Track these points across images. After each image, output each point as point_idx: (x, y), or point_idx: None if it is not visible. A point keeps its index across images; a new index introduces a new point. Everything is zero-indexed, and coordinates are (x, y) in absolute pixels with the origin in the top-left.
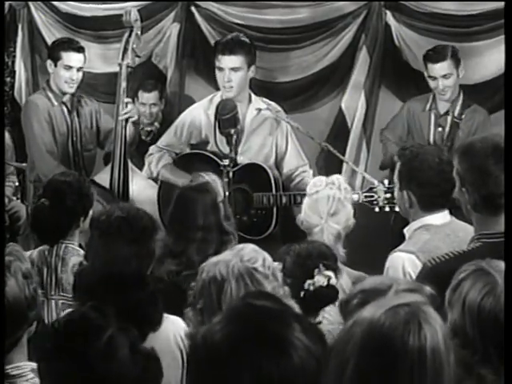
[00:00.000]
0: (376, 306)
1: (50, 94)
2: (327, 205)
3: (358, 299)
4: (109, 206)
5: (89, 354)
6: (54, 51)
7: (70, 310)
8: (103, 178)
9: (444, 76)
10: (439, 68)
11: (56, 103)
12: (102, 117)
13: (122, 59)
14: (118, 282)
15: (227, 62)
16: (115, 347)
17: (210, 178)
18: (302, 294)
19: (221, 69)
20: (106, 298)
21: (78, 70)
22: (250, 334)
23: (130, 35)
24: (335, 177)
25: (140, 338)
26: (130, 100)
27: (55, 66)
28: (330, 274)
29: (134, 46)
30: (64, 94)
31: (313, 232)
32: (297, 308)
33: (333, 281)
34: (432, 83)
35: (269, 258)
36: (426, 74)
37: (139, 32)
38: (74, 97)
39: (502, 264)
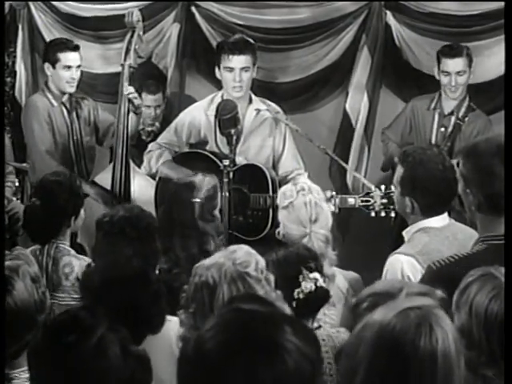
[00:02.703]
0: (387, 309)
1: (50, 95)
2: (307, 212)
3: (368, 302)
4: (109, 207)
5: (79, 354)
6: (51, 53)
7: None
8: (105, 177)
9: (458, 73)
10: (454, 63)
11: (56, 104)
12: (100, 114)
13: (125, 60)
14: (122, 282)
15: (238, 61)
16: (105, 347)
17: (199, 177)
18: (293, 303)
19: (231, 69)
20: (111, 298)
21: (77, 68)
22: (242, 340)
23: (132, 36)
24: (302, 181)
25: (136, 339)
26: (131, 88)
27: (53, 68)
28: (316, 275)
29: (136, 46)
30: (63, 94)
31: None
32: (288, 310)
33: (320, 282)
34: (444, 79)
35: (262, 262)
36: (436, 71)
37: (141, 33)
38: (72, 97)
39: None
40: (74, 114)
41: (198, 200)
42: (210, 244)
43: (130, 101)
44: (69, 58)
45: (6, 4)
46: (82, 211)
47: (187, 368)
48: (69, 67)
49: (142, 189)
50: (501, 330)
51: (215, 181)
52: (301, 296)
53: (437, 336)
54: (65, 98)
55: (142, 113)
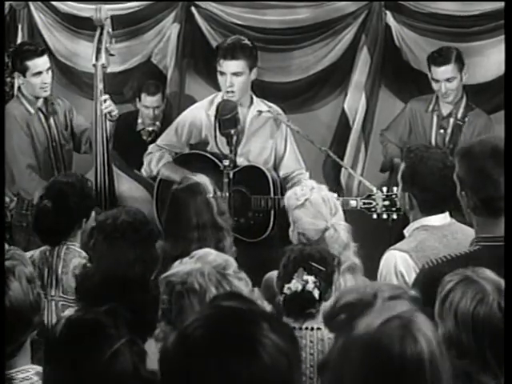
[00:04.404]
0: (366, 324)
1: (25, 102)
2: (326, 206)
3: (344, 314)
4: (115, 208)
5: (89, 361)
6: (18, 62)
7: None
8: None
9: (447, 80)
10: (443, 71)
11: (33, 111)
12: (75, 116)
13: (96, 60)
14: (120, 286)
15: (229, 67)
16: (119, 364)
17: (198, 177)
18: (281, 297)
19: (222, 73)
20: (107, 302)
21: (47, 71)
22: (219, 337)
23: (101, 33)
24: (308, 181)
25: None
26: (107, 97)
27: (24, 76)
28: (309, 279)
29: (107, 45)
30: (38, 98)
31: (324, 236)
32: (268, 308)
33: (308, 286)
34: (435, 85)
35: (234, 262)
36: (429, 76)
37: (110, 30)
38: (47, 100)
39: (486, 271)
40: (52, 119)
41: (212, 196)
42: (226, 239)
43: (106, 102)
44: (38, 64)
45: (6, 4)
46: (93, 213)
47: (168, 363)
48: (39, 73)
49: (126, 192)
50: (490, 335)
51: (206, 177)
52: (287, 292)
53: (421, 345)
54: (40, 103)
55: (116, 120)
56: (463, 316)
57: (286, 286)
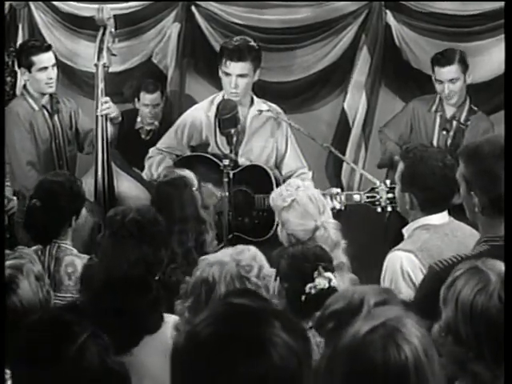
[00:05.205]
0: (353, 333)
1: (30, 99)
2: (314, 205)
3: (332, 323)
4: (93, 215)
5: (57, 360)
6: (24, 58)
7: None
8: (86, 181)
9: (451, 80)
10: (446, 72)
11: (37, 108)
12: (81, 117)
13: (98, 59)
14: (122, 284)
15: (235, 68)
16: (85, 357)
17: (183, 171)
18: (303, 297)
19: (228, 74)
20: (108, 298)
21: (53, 67)
22: (230, 334)
23: (103, 34)
24: (292, 180)
25: (133, 339)
26: (107, 99)
27: (29, 72)
28: (330, 275)
29: (109, 44)
30: (43, 95)
31: (315, 236)
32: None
33: (333, 282)
34: (438, 87)
35: (265, 268)
36: (433, 77)
37: (113, 30)
38: (52, 98)
39: (497, 263)
40: (56, 117)
41: (196, 189)
42: (208, 233)
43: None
44: (43, 59)
45: (6, 4)
46: (84, 210)
47: (179, 359)
48: (45, 68)
49: (126, 190)
50: (487, 325)
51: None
52: (312, 291)
53: (405, 353)
54: (45, 100)
55: (118, 117)
56: (463, 304)
57: (309, 285)
